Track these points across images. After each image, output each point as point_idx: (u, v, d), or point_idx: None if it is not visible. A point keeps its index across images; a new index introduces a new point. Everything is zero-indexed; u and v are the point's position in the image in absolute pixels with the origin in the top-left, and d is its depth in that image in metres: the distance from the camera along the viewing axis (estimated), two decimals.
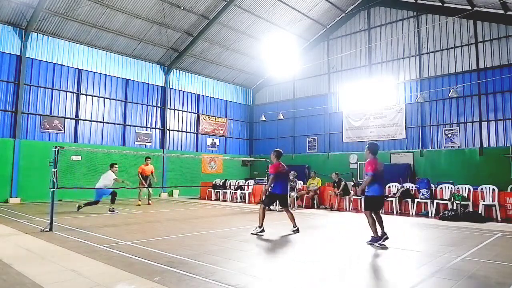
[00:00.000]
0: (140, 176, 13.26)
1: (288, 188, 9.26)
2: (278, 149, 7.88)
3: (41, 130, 14.96)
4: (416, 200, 11.25)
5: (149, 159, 13.55)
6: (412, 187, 11.83)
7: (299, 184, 14.11)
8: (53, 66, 15.47)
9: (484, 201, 10.10)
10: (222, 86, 22.64)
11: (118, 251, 5.46)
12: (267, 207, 7.56)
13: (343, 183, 12.78)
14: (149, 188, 13.40)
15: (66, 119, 15.69)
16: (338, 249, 6.16)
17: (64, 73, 15.77)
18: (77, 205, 10.69)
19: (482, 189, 10.35)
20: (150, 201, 13.40)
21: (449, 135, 16.30)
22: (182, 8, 16.58)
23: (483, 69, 15.67)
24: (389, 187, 12.25)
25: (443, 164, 16.23)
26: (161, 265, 4.63)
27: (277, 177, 7.49)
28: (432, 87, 16.95)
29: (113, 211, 10.59)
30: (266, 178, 12.08)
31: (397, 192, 11.83)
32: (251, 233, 7.20)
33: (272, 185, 7.56)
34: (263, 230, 7.20)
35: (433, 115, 16.90)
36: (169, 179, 18.91)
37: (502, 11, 14.93)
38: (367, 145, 6.66)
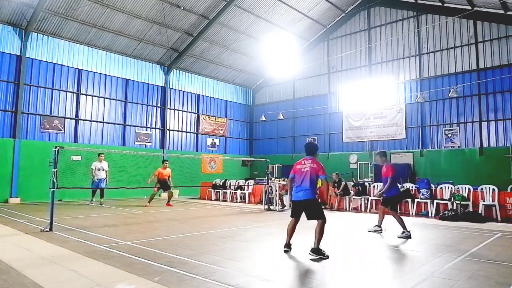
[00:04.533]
0: (157, 179, 13.06)
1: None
2: (383, 150, 7.88)
3: (41, 130, 14.95)
4: (416, 200, 11.24)
5: (167, 162, 13.37)
6: (412, 187, 11.82)
7: None
8: (53, 66, 15.46)
9: (484, 201, 10.09)
10: (222, 86, 22.64)
11: (118, 251, 5.46)
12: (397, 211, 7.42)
13: (343, 183, 12.80)
14: (170, 191, 13.36)
15: (66, 119, 15.68)
16: (338, 249, 6.15)
17: (64, 73, 15.76)
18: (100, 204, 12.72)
19: (482, 189, 10.34)
20: (169, 202, 13.32)
21: (449, 135, 16.30)
22: (182, 8, 16.57)
23: (483, 69, 15.67)
24: None
25: (443, 164, 16.23)
26: (161, 265, 4.63)
27: (394, 179, 7.24)
28: (432, 87, 16.95)
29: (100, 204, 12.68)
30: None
31: None
32: (399, 237, 6.96)
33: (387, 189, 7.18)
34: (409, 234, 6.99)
35: (433, 115, 16.90)
36: None
37: (502, 11, 14.93)
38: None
